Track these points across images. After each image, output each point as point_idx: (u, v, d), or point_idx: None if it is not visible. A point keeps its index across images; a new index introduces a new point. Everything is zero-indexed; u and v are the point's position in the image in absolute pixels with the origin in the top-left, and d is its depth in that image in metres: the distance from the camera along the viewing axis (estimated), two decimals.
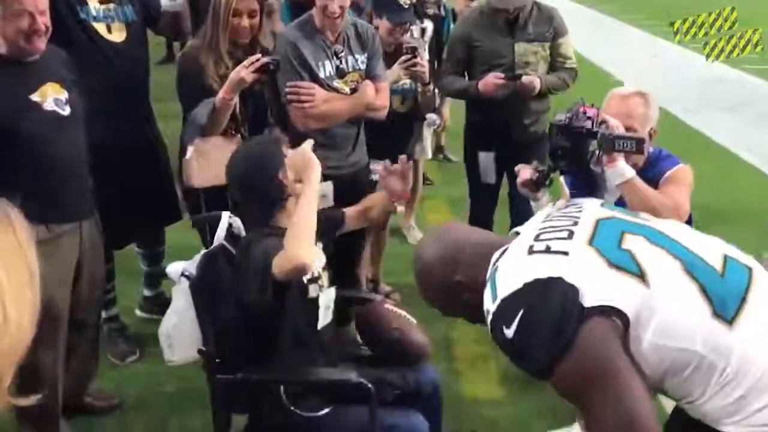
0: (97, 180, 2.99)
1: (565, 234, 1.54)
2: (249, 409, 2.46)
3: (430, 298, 1.80)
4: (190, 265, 2.42)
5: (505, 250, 1.62)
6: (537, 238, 1.56)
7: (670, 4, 15.32)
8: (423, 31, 4.43)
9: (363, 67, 3.44)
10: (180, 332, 2.36)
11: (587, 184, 2.31)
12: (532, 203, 2.43)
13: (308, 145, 2.43)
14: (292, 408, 2.36)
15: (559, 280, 1.44)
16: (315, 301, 2.42)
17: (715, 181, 6.51)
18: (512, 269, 1.53)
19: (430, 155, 5.12)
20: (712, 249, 1.57)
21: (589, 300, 1.41)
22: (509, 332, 1.46)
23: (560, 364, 1.42)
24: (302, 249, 2.16)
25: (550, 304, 1.43)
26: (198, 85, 3.09)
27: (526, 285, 1.47)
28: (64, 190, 2.77)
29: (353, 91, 3.36)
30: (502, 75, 3.68)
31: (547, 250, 1.51)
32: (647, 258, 1.48)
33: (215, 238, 2.52)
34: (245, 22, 3.13)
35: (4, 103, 2.61)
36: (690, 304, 1.46)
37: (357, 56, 3.41)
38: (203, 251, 2.51)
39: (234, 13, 3.10)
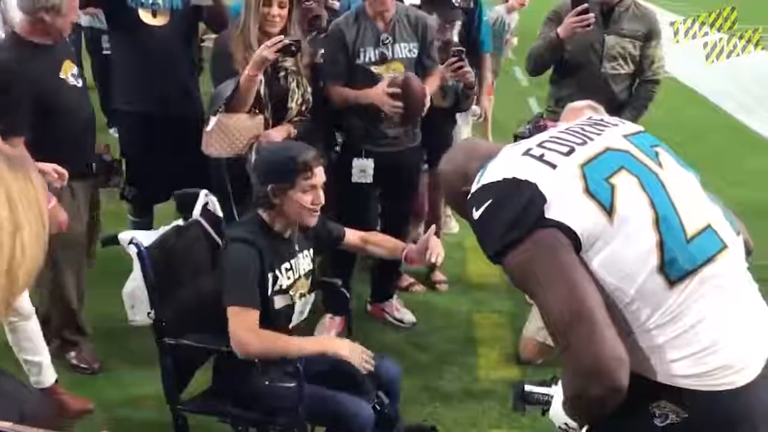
0: (140, 144, 3.70)
1: (565, 149, 1.60)
2: (214, 375, 2.66)
3: (450, 204, 2.00)
4: (141, 235, 2.61)
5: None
6: (540, 144, 1.64)
7: None
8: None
9: (413, 55, 3.63)
10: (143, 294, 2.55)
11: None
12: None
13: None
14: (260, 378, 2.48)
15: (533, 185, 1.53)
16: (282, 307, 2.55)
17: (760, 176, 6.47)
18: (502, 163, 1.64)
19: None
20: (699, 214, 1.61)
21: (551, 213, 1.51)
22: (476, 214, 1.60)
23: (509, 253, 1.54)
24: (253, 347, 2.35)
25: (514, 202, 1.54)
26: (227, 69, 3.31)
27: (504, 180, 1.58)
28: (80, 150, 3.31)
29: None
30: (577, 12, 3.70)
31: (540, 158, 1.59)
32: (626, 198, 1.54)
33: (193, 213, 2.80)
34: (275, 11, 3.29)
35: (48, 83, 3.17)
36: (641, 252, 1.52)
37: (405, 44, 3.61)
38: (173, 223, 2.77)
39: (265, 3, 3.27)
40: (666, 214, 1.56)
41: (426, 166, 3.97)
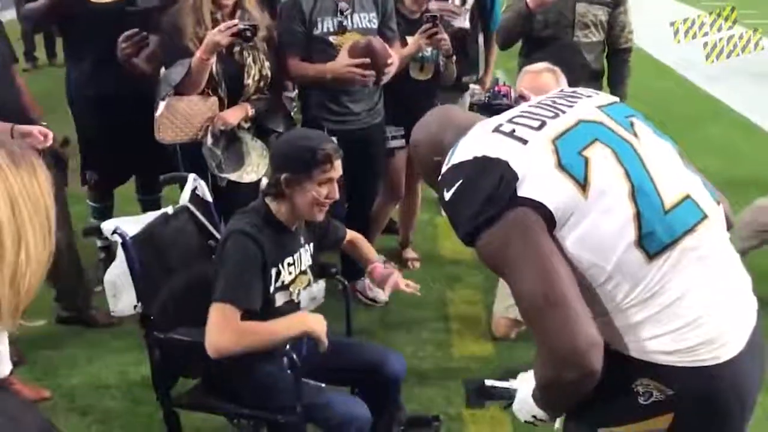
0: (96, 126, 3.59)
1: (537, 123, 1.55)
2: (202, 372, 2.52)
3: (422, 173, 1.92)
4: (126, 224, 2.47)
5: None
6: (510, 120, 1.59)
7: None
8: None
9: (372, 25, 3.52)
10: (125, 284, 2.43)
11: None
12: None
13: None
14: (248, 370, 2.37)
15: (504, 163, 1.49)
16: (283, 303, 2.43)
17: (725, 145, 6.51)
18: (472, 141, 1.59)
19: None
20: (677, 184, 1.56)
21: (523, 191, 1.47)
22: (447, 196, 1.55)
23: (482, 235, 1.50)
24: (224, 345, 2.20)
25: (485, 181, 1.49)
26: (177, 46, 3.16)
27: (475, 158, 1.53)
28: None
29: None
30: None
31: (510, 134, 1.55)
32: (600, 171, 1.49)
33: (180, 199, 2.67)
34: None
35: None
36: (618, 226, 1.48)
37: (365, 14, 3.49)
38: (161, 210, 2.64)
39: None
40: (642, 185, 1.51)
41: (402, 141, 3.89)
